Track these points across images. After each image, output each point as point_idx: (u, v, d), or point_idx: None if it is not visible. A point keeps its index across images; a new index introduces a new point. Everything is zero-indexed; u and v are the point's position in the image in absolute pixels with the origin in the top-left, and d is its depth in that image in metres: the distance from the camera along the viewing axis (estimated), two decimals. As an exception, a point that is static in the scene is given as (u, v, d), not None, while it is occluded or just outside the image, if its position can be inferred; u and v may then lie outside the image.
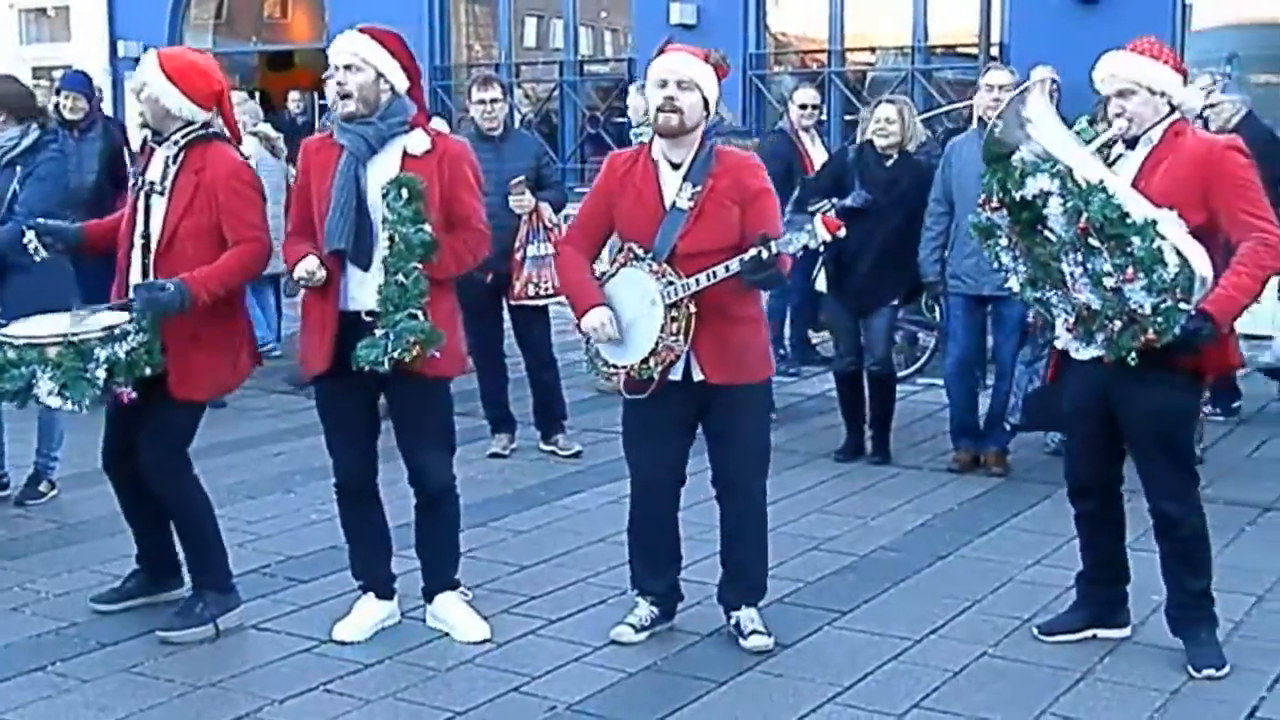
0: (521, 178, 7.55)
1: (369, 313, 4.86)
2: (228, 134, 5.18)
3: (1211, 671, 4.77)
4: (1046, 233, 4.56)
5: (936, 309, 9.28)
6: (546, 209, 7.65)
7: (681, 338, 4.83)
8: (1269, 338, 7.70)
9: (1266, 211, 4.59)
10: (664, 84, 4.82)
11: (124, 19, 17.65)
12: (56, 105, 9.09)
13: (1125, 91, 4.69)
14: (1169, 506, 4.80)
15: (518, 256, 7.61)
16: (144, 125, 5.16)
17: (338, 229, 4.87)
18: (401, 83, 4.96)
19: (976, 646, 5.07)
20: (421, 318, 4.81)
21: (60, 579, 5.78)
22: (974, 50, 13.05)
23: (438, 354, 4.86)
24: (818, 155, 9.31)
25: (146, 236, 5.04)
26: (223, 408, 8.93)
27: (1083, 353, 4.73)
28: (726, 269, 4.72)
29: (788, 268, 4.91)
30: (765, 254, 4.62)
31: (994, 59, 12.31)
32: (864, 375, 7.80)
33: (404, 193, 4.79)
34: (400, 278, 4.79)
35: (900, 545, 6.28)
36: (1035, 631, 5.16)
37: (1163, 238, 4.42)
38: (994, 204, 4.64)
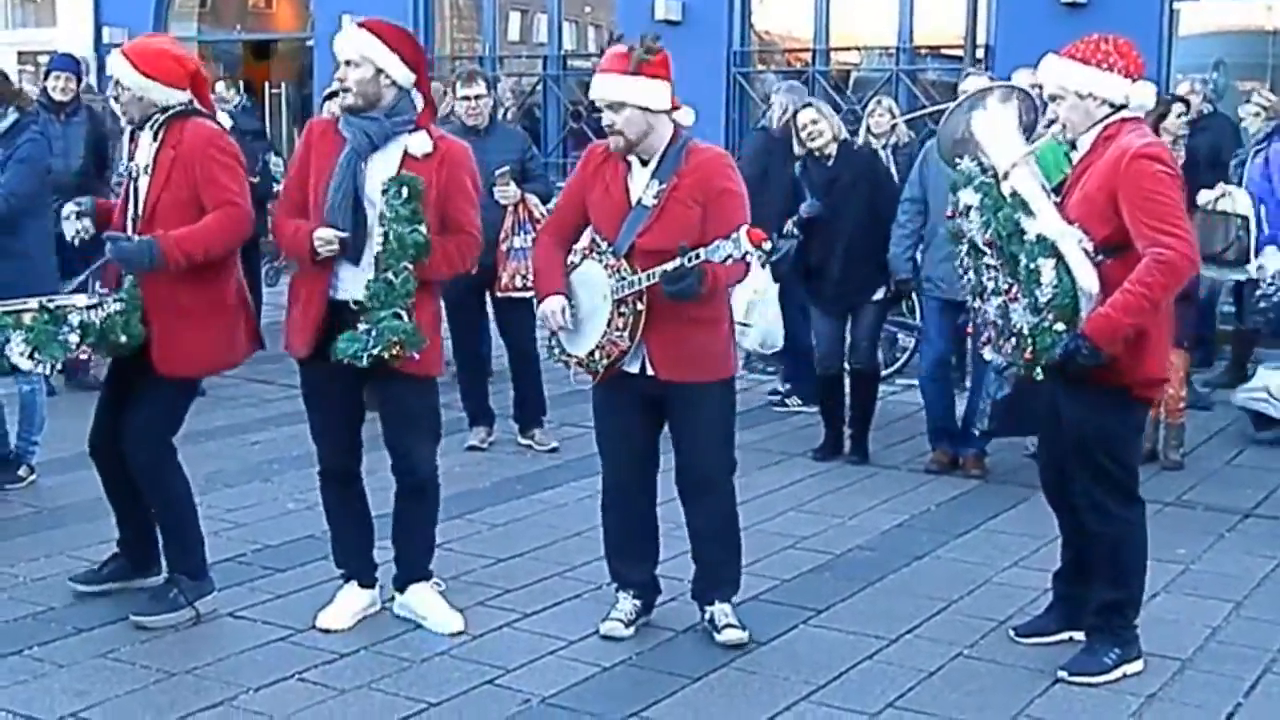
0: (506, 169, 7.55)
1: (356, 302, 4.87)
2: (204, 110, 5.18)
3: (1079, 678, 4.75)
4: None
5: (917, 311, 9.30)
6: (534, 201, 7.67)
7: (626, 334, 4.86)
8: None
9: (1172, 224, 4.42)
10: (600, 110, 4.89)
11: (109, 5, 17.57)
12: (44, 89, 9.08)
13: (1054, 96, 4.70)
14: (1085, 517, 4.81)
15: (503, 248, 7.61)
16: (130, 122, 5.22)
17: (335, 222, 4.87)
18: (404, 76, 4.95)
19: (952, 647, 5.09)
20: (406, 318, 4.82)
21: (38, 563, 5.77)
22: (960, 52, 13.07)
23: (417, 355, 4.86)
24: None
25: (136, 219, 5.06)
26: (201, 395, 8.92)
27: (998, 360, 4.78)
28: (651, 276, 4.75)
29: (732, 278, 4.90)
30: (685, 264, 4.66)
31: (979, 61, 12.34)
32: (844, 376, 7.82)
33: (404, 191, 4.81)
34: (390, 275, 4.80)
35: (877, 545, 6.30)
36: (1011, 633, 5.18)
37: (1049, 256, 4.40)
38: (950, 213, 4.70)
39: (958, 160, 4.84)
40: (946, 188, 4.94)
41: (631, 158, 4.93)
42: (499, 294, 7.74)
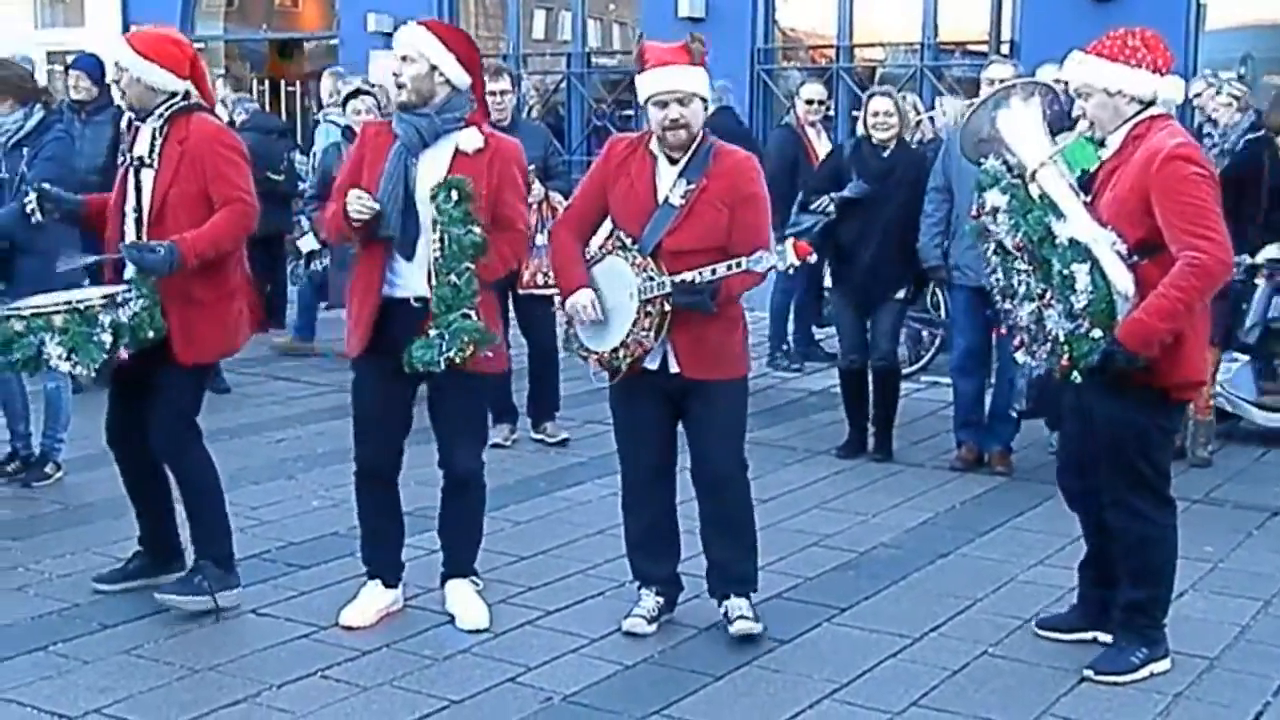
0: (531, 167, 7.55)
1: (418, 298, 4.91)
2: (205, 104, 5.27)
3: (1105, 677, 4.72)
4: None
5: (942, 307, 9.27)
6: (556, 198, 7.68)
7: (653, 333, 4.86)
8: None
9: (1207, 227, 4.37)
10: (665, 105, 4.83)
11: (137, 4, 17.63)
12: (66, 87, 9.12)
13: (1081, 93, 4.66)
14: (1110, 515, 4.78)
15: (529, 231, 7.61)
16: (129, 107, 5.28)
17: (386, 217, 4.91)
18: (460, 77, 4.98)
19: (977, 645, 5.06)
20: (475, 317, 4.84)
21: (64, 560, 5.79)
22: (984, 47, 13.01)
23: (490, 354, 4.89)
24: (823, 150, 9.31)
25: (139, 210, 5.12)
26: (227, 393, 8.98)
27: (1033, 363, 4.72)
28: (666, 283, 4.76)
29: (745, 286, 4.91)
30: (698, 279, 4.71)
31: (1004, 55, 12.28)
32: (868, 371, 7.79)
33: (454, 194, 4.83)
34: (453, 278, 4.83)
35: (901, 543, 6.27)
36: (1035, 626, 5.15)
37: (1083, 260, 4.36)
38: (975, 212, 4.65)
39: (981, 159, 4.80)
40: (970, 179, 4.91)
41: (659, 154, 4.92)
42: (521, 291, 7.74)
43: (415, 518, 5.42)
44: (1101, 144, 4.68)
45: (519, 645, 5.02)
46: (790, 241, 4.72)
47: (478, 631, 5.10)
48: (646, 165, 4.95)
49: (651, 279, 4.82)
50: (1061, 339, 4.41)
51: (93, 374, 4.96)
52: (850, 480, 7.33)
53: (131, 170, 5.17)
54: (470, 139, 4.96)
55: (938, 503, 6.90)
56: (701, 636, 5.11)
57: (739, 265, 4.72)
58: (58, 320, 4.90)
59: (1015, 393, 7.33)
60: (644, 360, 4.93)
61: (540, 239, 7.63)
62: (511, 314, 8.00)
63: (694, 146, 4.90)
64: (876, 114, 7.54)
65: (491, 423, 7.91)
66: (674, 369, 4.94)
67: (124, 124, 5.48)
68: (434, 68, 4.94)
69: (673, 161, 4.91)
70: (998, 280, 4.68)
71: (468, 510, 5.28)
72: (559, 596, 5.49)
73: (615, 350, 4.92)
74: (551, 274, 7.54)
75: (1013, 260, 4.55)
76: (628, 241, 4.92)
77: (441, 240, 4.82)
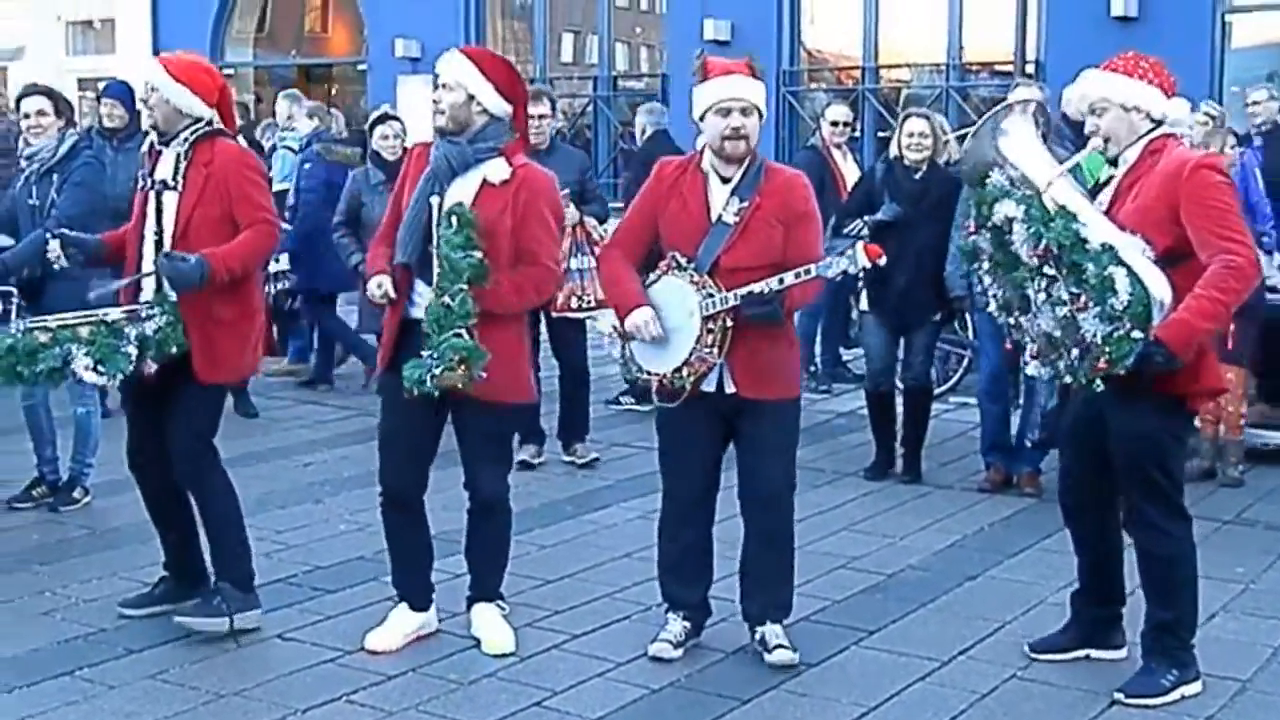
0: (565, 190, 7.56)
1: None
2: (227, 130, 5.35)
3: (1136, 699, 4.68)
4: (1015, 258, 4.54)
5: (970, 328, 9.24)
6: (591, 222, 7.70)
7: (716, 349, 4.84)
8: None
9: (1237, 232, 4.46)
10: (728, 112, 4.83)
11: (167, 32, 17.82)
12: (98, 115, 9.19)
13: (1097, 108, 4.67)
14: (1138, 534, 4.75)
15: (560, 269, 7.62)
16: (153, 127, 5.32)
17: (405, 243, 4.99)
18: (499, 106, 5.01)
19: (1006, 669, 5.02)
20: (466, 337, 4.82)
21: (91, 584, 5.80)
22: (1009, 68, 13.01)
23: (484, 374, 4.85)
24: (849, 172, 9.31)
25: (159, 233, 5.18)
26: (255, 417, 9.01)
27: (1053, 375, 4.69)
28: (737, 296, 4.74)
29: (805, 300, 4.93)
30: (768, 290, 4.70)
31: (1029, 76, 12.26)
32: (895, 393, 7.76)
33: (454, 220, 4.86)
34: (447, 299, 4.83)
35: (929, 565, 6.24)
36: (1026, 648, 5.12)
37: (1119, 264, 4.35)
38: (972, 227, 4.62)
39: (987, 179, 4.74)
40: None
41: (711, 173, 4.93)
42: (555, 314, 7.75)
43: (442, 541, 5.42)
44: (1113, 162, 4.69)
45: (545, 669, 5.00)
46: (860, 244, 4.70)
47: (504, 656, 5.09)
48: (698, 184, 4.95)
49: (711, 295, 4.81)
50: (1100, 341, 4.37)
51: (119, 384, 5.03)
52: (878, 502, 7.30)
53: (152, 194, 5.22)
54: (497, 170, 4.97)
55: (966, 525, 6.86)
56: (728, 661, 5.08)
57: (807, 272, 4.72)
58: (84, 332, 4.99)
59: (1030, 422, 7.31)
60: (705, 378, 4.90)
61: (574, 263, 7.65)
62: (543, 336, 8.04)
63: (746, 164, 4.90)
64: (911, 135, 7.52)
65: (518, 443, 7.95)
66: (730, 389, 4.92)
67: (144, 148, 5.50)
68: (471, 97, 4.98)
69: (724, 180, 4.92)
70: (995, 296, 4.66)
71: (494, 534, 5.27)
72: (585, 620, 5.48)
73: (678, 370, 4.88)
74: (585, 297, 7.63)
75: (1024, 271, 4.51)
76: (683, 261, 4.90)
77: (440, 263, 4.84)
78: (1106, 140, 4.66)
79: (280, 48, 18.81)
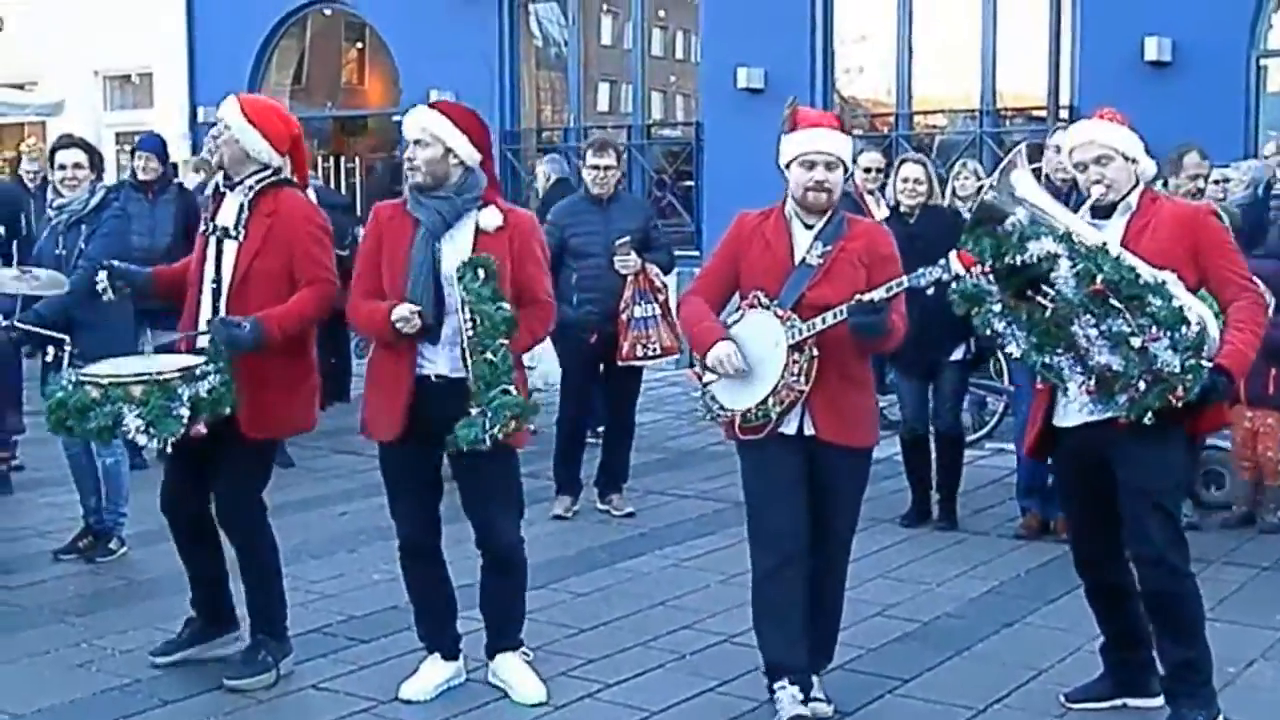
0: (627, 239, 7.61)
1: (439, 376, 4.95)
2: (295, 180, 5.31)
3: None
4: (1045, 297, 4.51)
5: (1005, 374, 9.20)
6: (654, 271, 7.72)
7: (803, 378, 4.82)
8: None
9: (1248, 273, 4.73)
10: (812, 165, 4.87)
11: (204, 86, 18.00)
12: (132, 168, 9.30)
13: (1103, 158, 4.73)
14: (1150, 574, 4.70)
15: (623, 317, 7.68)
16: (219, 166, 5.29)
17: (417, 302, 4.93)
18: (472, 156, 5.03)
19: (1043, 716, 4.99)
20: (514, 392, 4.84)
21: (127, 635, 5.82)
22: (1043, 113, 13.00)
23: (533, 428, 4.87)
24: (881, 218, 9.29)
25: (218, 280, 5.16)
26: (291, 467, 9.04)
27: (1075, 417, 4.69)
28: (840, 312, 4.74)
29: (900, 332, 4.93)
30: (876, 299, 4.71)
31: (1063, 121, 12.25)
32: (930, 439, 7.73)
33: (480, 273, 4.84)
34: (489, 355, 4.83)
35: (965, 612, 6.20)
36: (1062, 698, 5.07)
37: (1176, 298, 4.44)
38: (984, 268, 4.60)
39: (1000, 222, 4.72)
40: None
41: (793, 219, 4.96)
42: (620, 362, 7.77)
43: (472, 590, 5.40)
44: (1108, 211, 4.75)
45: (579, 718, 4.98)
46: (955, 253, 4.70)
47: (537, 705, 5.08)
48: (782, 228, 4.97)
49: (794, 325, 4.80)
50: (1178, 370, 4.37)
51: (168, 448, 4.98)
52: (914, 549, 7.26)
53: (212, 239, 5.20)
54: (490, 218, 5.00)
55: (1002, 571, 6.82)
56: (762, 709, 5.03)
57: (900, 284, 4.74)
58: (136, 391, 4.90)
59: None
60: (792, 410, 4.86)
61: (638, 310, 7.67)
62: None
63: (829, 214, 4.94)
64: (906, 180, 7.59)
65: (555, 492, 7.97)
66: (809, 431, 4.90)
67: (209, 190, 5.43)
68: (448, 150, 4.98)
69: (807, 226, 4.94)
70: (1016, 337, 4.63)
71: (510, 584, 5.25)
72: (620, 669, 5.46)
73: (764, 400, 4.84)
74: (650, 345, 7.65)
75: (1066, 309, 4.49)
76: (765, 300, 4.90)
77: (473, 319, 4.83)
78: (1108, 188, 4.73)
79: (316, 100, 18.98)
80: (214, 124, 5.41)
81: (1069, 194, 6.00)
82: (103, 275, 5.36)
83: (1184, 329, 4.38)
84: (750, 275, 4.98)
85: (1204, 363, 4.40)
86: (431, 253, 4.96)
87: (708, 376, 4.97)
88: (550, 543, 7.22)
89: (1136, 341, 4.39)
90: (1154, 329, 4.38)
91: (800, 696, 4.83)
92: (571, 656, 5.58)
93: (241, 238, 5.14)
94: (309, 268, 5.16)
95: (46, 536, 7.32)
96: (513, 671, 5.22)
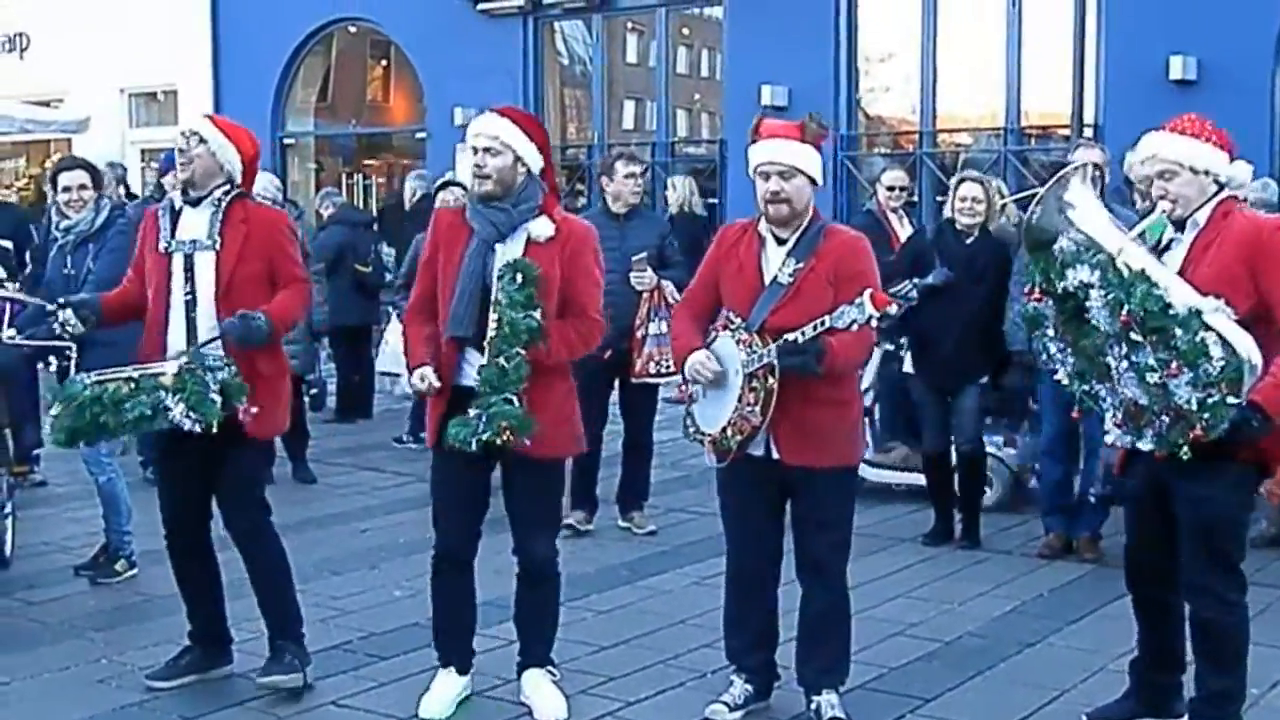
0: (644, 254, 7.61)
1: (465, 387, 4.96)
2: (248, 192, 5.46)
3: None
4: (1091, 324, 4.46)
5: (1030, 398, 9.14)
6: (670, 288, 7.71)
7: (758, 409, 4.79)
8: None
9: None
10: (768, 176, 4.83)
11: (230, 102, 18.08)
12: (159, 183, 9.34)
13: (1167, 173, 4.58)
14: (1199, 602, 4.64)
15: (639, 334, 7.68)
16: (186, 182, 5.29)
17: (463, 317, 4.95)
18: (537, 164, 5.04)
19: (1065, 738, 4.95)
20: (517, 403, 4.82)
21: (147, 651, 5.81)
22: (1067, 131, 12.98)
23: (528, 441, 4.85)
24: (905, 237, 9.27)
25: (192, 293, 5.20)
26: (313, 483, 9.05)
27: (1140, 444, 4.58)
28: (769, 352, 4.71)
29: (853, 359, 4.89)
30: (802, 336, 4.64)
31: (1086, 138, 12.22)
32: (952, 457, 7.70)
33: (519, 277, 4.83)
34: (501, 360, 4.82)
35: (988, 631, 6.16)
36: (1084, 718, 5.02)
37: (1207, 328, 4.28)
38: (1036, 294, 4.55)
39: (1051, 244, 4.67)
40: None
41: (768, 235, 4.92)
42: (634, 379, 7.76)
43: (496, 607, 5.41)
44: (1180, 225, 4.61)
45: (598, 737, 4.98)
46: (868, 293, 4.59)
47: (557, 722, 5.06)
48: (754, 246, 4.95)
49: (753, 352, 4.78)
50: (1196, 408, 4.28)
51: (213, 428, 5.00)
52: (936, 568, 7.22)
53: (179, 255, 5.22)
54: (541, 227, 4.98)
55: (1025, 590, 6.78)
56: (783, 728, 5.04)
57: (822, 324, 4.64)
58: (168, 380, 5.00)
59: (1092, 476, 7.21)
60: (751, 442, 4.86)
61: (653, 327, 7.66)
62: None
63: (803, 226, 4.89)
64: (965, 199, 7.47)
65: (570, 506, 7.94)
66: (775, 455, 4.89)
67: (164, 214, 5.38)
68: (518, 158, 4.98)
69: (780, 241, 4.91)
70: (1064, 363, 4.59)
71: (544, 599, 5.26)
72: (640, 687, 5.44)
73: (724, 429, 4.87)
74: (663, 362, 7.65)
75: (1099, 339, 4.46)
76: (735, 321, 4.89)
77: (499, 322, 4.83)
78: (1174, 203, 4.58)
79: (340, 118, 19.06)
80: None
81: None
82: (65, 314, 5.32)
83: (1205, 364, 4.25)
84: (726, 293, 4.99)
85: (1230, 399, 4.27)
86: (483, 264, 4.95)
87: (692, 389, 5.00)
88: (571, 560, 7.12)
89: (1154, 377, 4.33)
90: (1174, 364, 4.28)
91: (748, 690, 5.10)
92: (592, 674, 5.56)
93: (218, 247, 5.20)
94: (289, 268, 5.32)
95: (69, 551, 7.33)
96: (535, 689, 5.21)
